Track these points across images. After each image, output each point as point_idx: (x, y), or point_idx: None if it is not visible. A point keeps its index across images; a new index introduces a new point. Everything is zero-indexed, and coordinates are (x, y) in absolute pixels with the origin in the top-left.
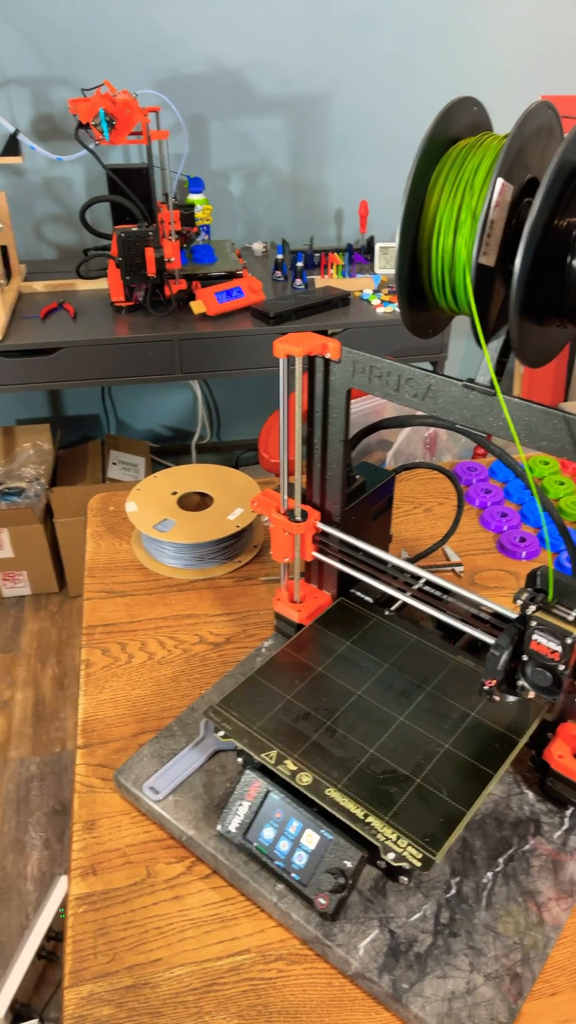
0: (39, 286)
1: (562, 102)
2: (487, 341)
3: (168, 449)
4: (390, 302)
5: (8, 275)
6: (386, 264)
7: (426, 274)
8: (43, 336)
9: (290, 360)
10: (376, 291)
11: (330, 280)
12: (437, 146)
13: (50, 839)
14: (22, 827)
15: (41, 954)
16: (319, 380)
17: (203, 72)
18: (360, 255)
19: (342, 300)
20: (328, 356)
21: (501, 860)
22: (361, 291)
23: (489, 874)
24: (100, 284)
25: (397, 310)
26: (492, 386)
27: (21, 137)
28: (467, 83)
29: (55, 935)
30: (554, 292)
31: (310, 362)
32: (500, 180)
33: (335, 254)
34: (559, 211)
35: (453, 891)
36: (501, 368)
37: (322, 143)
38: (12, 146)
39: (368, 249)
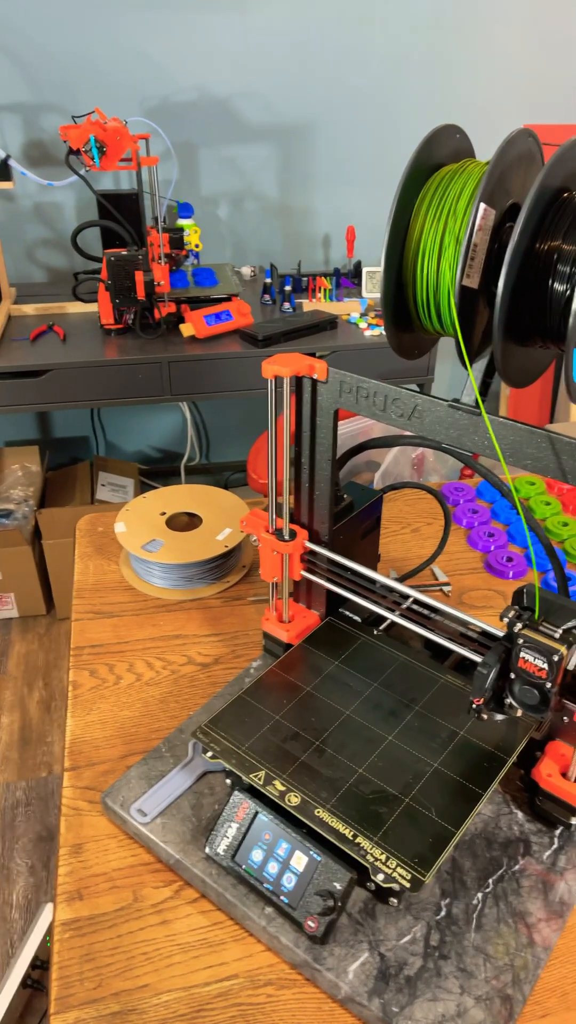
0: (29, 309)
1: (545, 131)
2: (471, 362)
3: (157, 471)
4: (377, 325)
5: None
6: (373, 288)
7: (411, 296)
8: (33, 358)
9: (278, 381)
10: (363, 314)
11: (318, 304)
12: (421, 172)
13: (36, 866)
14: (7, 853)
15: (26, 983)
16: (306, 400)
17: (192, 100)
18: (347, 279)
19: (330, 323)
20: (315, 377)
21: (491, 881)
22: (348, 314)
23: (479, 895)
24: (90, 307)
25: (384, 333)
26: (477, 406)
27: (12, 163)
28: (451, 112)
29: (41, 964)
30: (536, 314)
31: (298, 383)
32: (482, 205)
33: (323, 278)
34: (540, 235)
35: (443, 913)
36: (486, 388)
37: (309, 170)
38: (3, 171)
39: (355, 273)
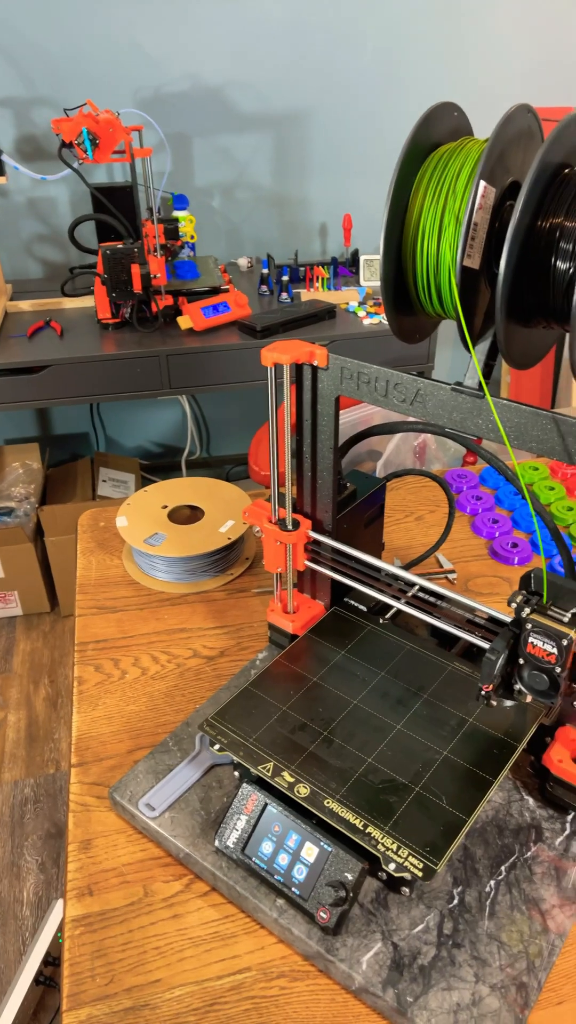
0: (25, 305)
1: (545, 114)
2: (474, 344)
3: (158, 466)
4: (376, 313)
5: None
6: (371, 276)
7: (411, 278)
8: (30, 354)
9: (277, 368)
10: (362, 303)
11: (316, 293)
12: (419, 151)
13: (46, 862)
14: (17, 851)
15: (39, 980)
16: (307, 388)
17: (185, 90)
18: (345, 268)
19: (328, 313)
20: (316, 363)
21: (503, 868)
22: (347, 303)
23: (491, 883)
24: (86, 302)
25: (383, 321)
26: (480, 389)
27: (5, 158)
28: (448, 97)
29: (53, 960)
30: (539, 293)
31: (298, 370)
32: (482, 183)
33: (320, 268)
34: (541, 213)
35: (455, 901)
36: (488, 371)
37: (304, 158)
38: None
39: (353, 262)
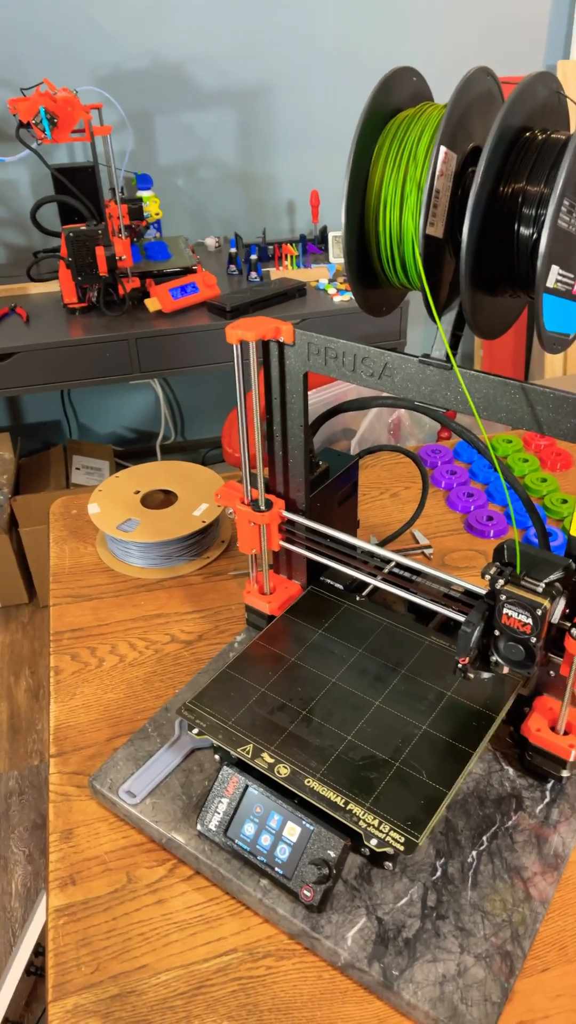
0: None
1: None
2: (440, 315)
3: (132, 451)
4: (346, 290)
5: None
6: (340, 253)
7: (375, 250)
8: None
9: (243, 346)
10: (332, 280)
11: (285, 272)
12: (378, 118)
13: (33, 854)
14: (4, 843)
15: (30, 970)
16: (275, 365)
17: (144, 67)
18: (314, 245)
19: (298, 291)
20: (282, 340)
21: (485, 838)
22: (317, 281)
23: (474, 853)
24: (52, 286)
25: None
26: (448, 360)
27: None
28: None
29: (43, 951)
30: (504, 261)
31: (265, 348)
32: (443, 149)
33: (289, 245)
34: (503, 178)
35: (439, 873)
36: (456, 342)
37: (269, 135)
38: None
39: (321, 239)
